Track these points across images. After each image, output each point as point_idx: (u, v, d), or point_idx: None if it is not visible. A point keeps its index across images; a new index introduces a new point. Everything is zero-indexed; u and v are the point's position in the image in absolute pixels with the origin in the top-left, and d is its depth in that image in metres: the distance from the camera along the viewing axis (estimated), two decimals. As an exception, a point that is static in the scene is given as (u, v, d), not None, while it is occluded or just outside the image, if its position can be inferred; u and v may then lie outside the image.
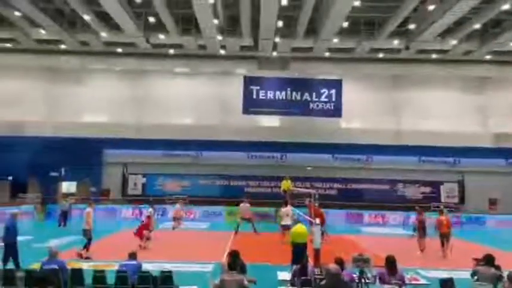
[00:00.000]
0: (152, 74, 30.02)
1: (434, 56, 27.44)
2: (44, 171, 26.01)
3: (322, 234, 12.99)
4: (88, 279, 8.27)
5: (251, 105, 29.28)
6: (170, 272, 8.45)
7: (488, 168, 27.77)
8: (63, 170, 26.58)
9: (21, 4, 21.24)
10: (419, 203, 21.67)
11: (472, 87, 29.76)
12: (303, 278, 8.23)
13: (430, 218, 16.44)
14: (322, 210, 16.22)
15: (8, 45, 27.32)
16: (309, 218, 14.22)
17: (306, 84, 30.01)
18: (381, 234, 21.38)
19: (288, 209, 16.89)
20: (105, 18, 23.61)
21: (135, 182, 28.11)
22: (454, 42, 25.08)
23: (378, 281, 7.67)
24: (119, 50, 27.75)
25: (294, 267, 9.20)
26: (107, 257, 12.12)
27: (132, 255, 8.73)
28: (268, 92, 29.54)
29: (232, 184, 28.09)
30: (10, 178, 26.63)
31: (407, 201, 26.66)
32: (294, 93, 29.58)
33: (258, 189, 27.63)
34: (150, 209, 16.70)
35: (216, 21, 22.43)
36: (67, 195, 25.57)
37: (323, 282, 6.48)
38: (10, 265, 9.99)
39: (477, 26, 23.19)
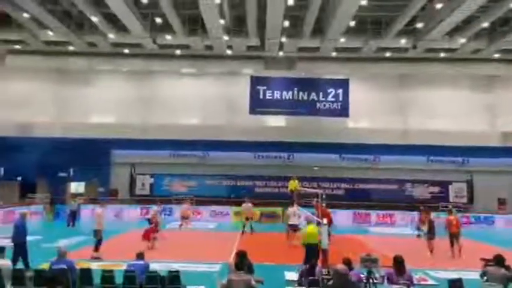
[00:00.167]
0: (159, 74, 30.11)
1: (442, 54, 27.20)
2: (53, 171, 26.31)
3: (329, 234, 12.95)
4: (96, 279, 8.31)
5: (258, 105, 29.24)
6: (178, 271, 8.48)
7: (497, 168, 27.49)
8: (71, 170, 26.90)
9: (30, 6, 21.43)
10: (427, 203, 21.57)
11: (480, 86, 29.50)
12: (310, 278, 8.22)
13: (439, 218, 16.34)
14: (329, 210, 16.19)
15: (17, 46, 27.62)
16: (316, 218, 14.20)
17: (313, 84, 29.88)
18: (389, 234, 21.27)
19: (295, 208, 16.91)
20: (112, 19, 23.76)
21: (143, 182, 28.21)
22: (462, 40, 24.86)
23: (386, 281, 7.62)
24: (126, 51, 27.92)
25: (302, 267, 9.19)
26: (115, 257, 12.18)
27: (140, 255, 8.81)
28: (275, 92, 29.48)
29: (239, 184, 28.03)
30: (19, 178, 26.82)
31: (415, 201, 26.40)
32: (300, 93, 29.47)
33: (265, 189, 27.61)
34: (156, 208, 16.76)
35: (222, 22, 22.47)
36: (75, 195, 25.73)
37: (330, 282, 6.47)
38: (19, 265, 10.06)
39: (485, 24, 23.00)
